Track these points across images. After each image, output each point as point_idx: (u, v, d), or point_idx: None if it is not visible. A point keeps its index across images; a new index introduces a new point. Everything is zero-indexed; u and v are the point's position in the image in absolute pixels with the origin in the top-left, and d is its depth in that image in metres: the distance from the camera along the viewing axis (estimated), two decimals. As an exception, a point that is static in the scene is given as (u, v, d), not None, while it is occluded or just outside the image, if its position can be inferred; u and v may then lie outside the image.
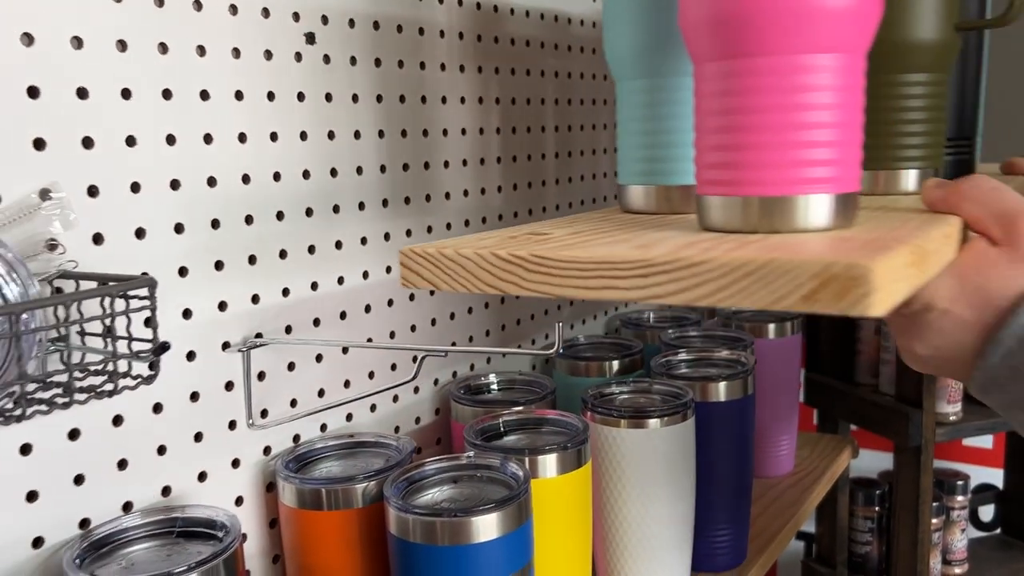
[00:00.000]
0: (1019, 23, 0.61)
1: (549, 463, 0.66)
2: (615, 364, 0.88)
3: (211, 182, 0.60)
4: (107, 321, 0.44)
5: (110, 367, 0.45)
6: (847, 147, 0.45)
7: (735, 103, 0.44)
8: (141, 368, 0.48)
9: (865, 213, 0.54)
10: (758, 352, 0.96)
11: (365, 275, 0.74)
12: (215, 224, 0.61)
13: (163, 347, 0.46)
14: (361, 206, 0.73)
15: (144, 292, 0.46)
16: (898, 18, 0.61)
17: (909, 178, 0.65)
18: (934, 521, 1.34)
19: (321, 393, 0.71)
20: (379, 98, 0.73)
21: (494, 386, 0.85)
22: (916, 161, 0.65)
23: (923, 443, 1.21)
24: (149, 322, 0.53)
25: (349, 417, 0.74)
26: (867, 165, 0.61)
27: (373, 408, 0.76)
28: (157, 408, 0.58)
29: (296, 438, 0.69)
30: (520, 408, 0.74)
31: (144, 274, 0.54)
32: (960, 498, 1.42)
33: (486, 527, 0.57)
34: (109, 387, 0.45)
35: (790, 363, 1.05)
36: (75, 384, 0.44)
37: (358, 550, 0.62)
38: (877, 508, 1.41)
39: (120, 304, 0.45)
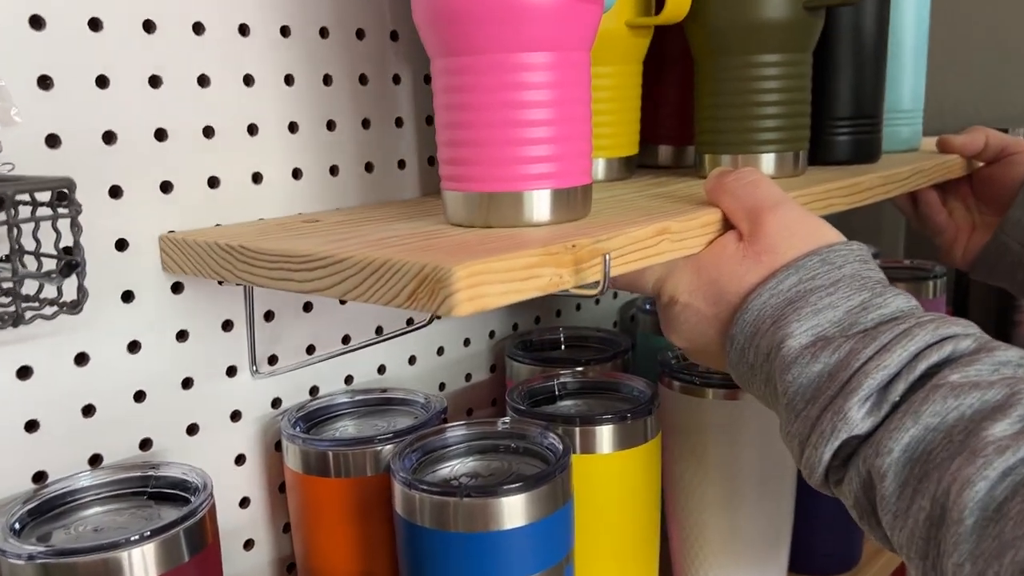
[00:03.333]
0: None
1: (605, 436, 0.54)
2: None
3: (203, 81, 0.51)
4: (13, 232, 0.35)
5: (8, 286, 0.36)
6: (568, 143, 0.44)
7: (457, 100, 0.44)
8: (73, 293, 0.39)
9: (627, 202, 0.52)
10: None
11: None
12: (208, 132, 0.51)
13: (70, 265, 0.36)
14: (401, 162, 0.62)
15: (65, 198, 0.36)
16: None
17: (769, 162, 0.61)
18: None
19: (346, 340, 0.61)
20: None
21: (562, 342, 0.73)
22: (774, 144, 0.61)
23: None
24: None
25: (382, 369, 0.64)
26: (726, 149, 0.62)
27: (412, 360, 0.66)
28: (133, 347, 0.49)
29: (314, 390, 0.59)
30: (580, 369, 0.62)
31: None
32: None
33: (511, 511, 0.45)
34: (13, 312, 0.36)
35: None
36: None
37: (368, 526, 0.52)
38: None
39: (29, 212, 0.36)
